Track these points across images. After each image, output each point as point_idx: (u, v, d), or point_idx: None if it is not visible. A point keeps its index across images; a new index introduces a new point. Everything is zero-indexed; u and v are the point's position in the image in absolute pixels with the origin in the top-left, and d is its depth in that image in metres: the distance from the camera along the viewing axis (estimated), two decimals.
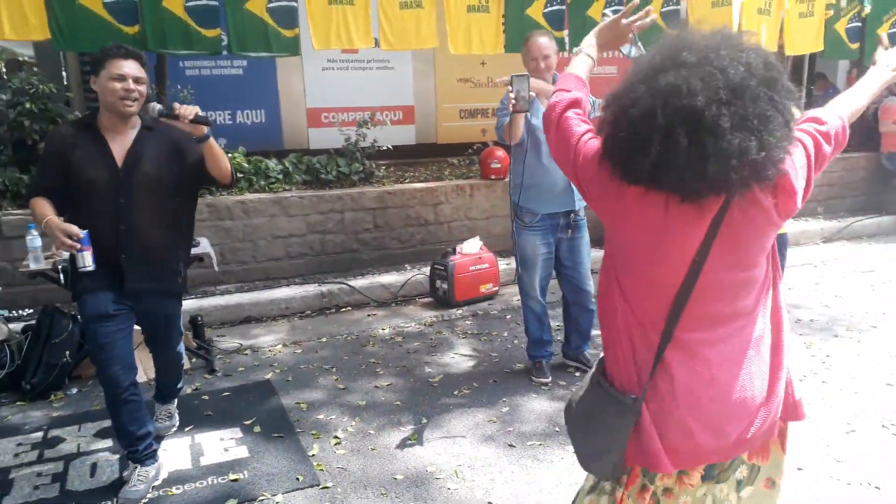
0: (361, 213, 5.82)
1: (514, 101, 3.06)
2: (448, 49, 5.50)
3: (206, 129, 2.69)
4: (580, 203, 3.73)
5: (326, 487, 2.87)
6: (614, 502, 1.65)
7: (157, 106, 2.64)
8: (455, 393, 3.74)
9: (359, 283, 5.47)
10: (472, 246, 5.38)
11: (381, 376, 4.02)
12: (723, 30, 1.42)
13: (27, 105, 4.82)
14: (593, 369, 1.67)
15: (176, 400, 3.44)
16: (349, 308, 5.31)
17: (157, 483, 2.92)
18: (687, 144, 1.31)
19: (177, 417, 3.44)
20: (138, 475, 2.85)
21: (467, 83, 7.79)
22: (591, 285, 3.87)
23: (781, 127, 1.34)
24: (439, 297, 5.29)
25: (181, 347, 3.23)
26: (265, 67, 6.72)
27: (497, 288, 5.46)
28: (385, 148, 6.23)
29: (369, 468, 3.02)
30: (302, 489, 2.85)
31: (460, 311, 5.14)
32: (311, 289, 5.35)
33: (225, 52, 4.93)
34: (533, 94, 3.16)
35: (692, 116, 1.31)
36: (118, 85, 2.61)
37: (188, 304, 4.85)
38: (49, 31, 4.48)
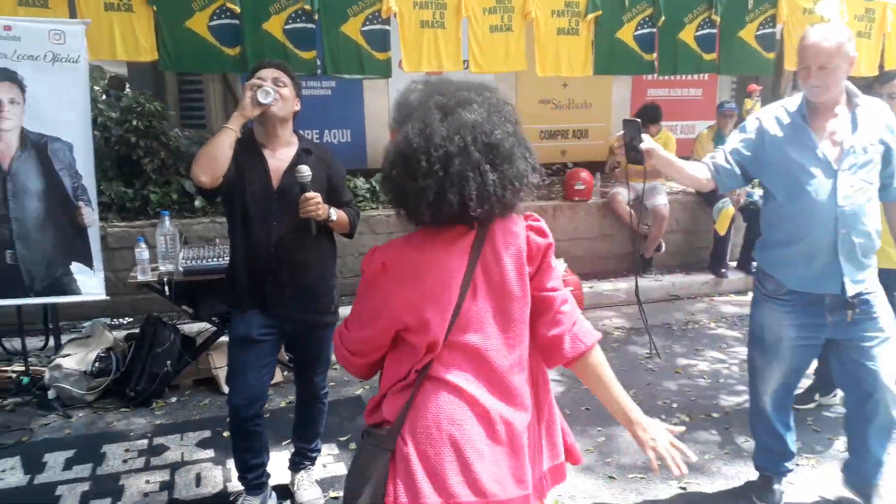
0: None
1: (623, 152, 2.64)
2: (531, 71, 5.49)
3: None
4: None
5: None
6: None
7: (306, 176, 2.56)
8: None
9: None
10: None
11: None
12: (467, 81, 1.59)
13: (134, 122, 5.05)
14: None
15: (304, 472, 3.03)
16: None
17: None
18: (492, 176, 1.48)
19: (311, 495, 2.96)
20: (243, 501, 2.84)
21: (548, 104, 7.75)
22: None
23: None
24: None
25: (325, 393, 3.01)
26: (353, 88, 6.85)
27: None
28: None
29: None
30: None
31: None
32: None
33: (319, 73, 5.04)
34: (646, 141, 2.55)
35: (494, 148, 1.49)
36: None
37: None
38: (157, 53, 4.70)
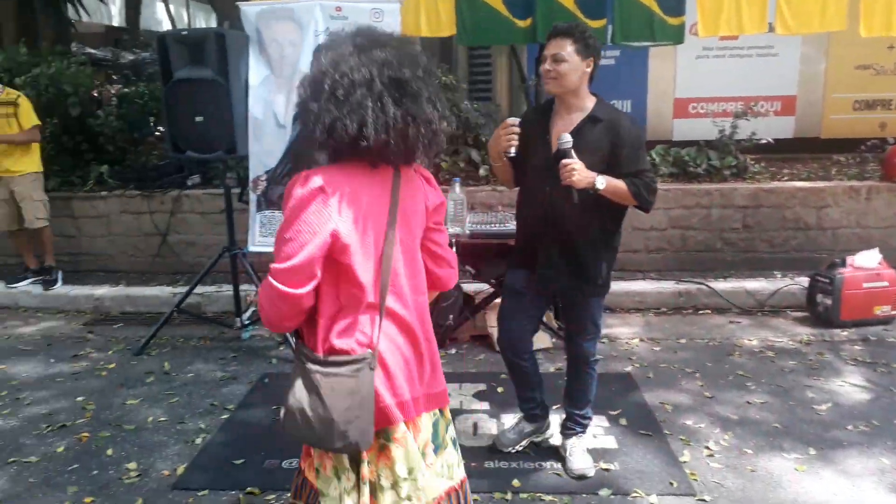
0: (730, 210, 5.44)
1: None
2: (849, 32, 4.78)
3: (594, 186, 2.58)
4: None
5: (703, 500, 2.73)
6: (360, 476, 1.70)
7: (565, 143, 2.56)
8: (849, 427, 3.28)
9: (720, 285, 5.13)
10: (869, 259, 4.64)
11: (753, 392, 3.71)
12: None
13: None
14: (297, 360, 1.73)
15: (575, 438, 3.03)
16: (708, 311, 5.02)
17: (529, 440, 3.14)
18: (394, 109, 1.57)
19: (581, 464, 2.93)
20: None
21: (867, 70, 6.74)
22: None
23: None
24: (818, 312, 4.69)
25: (594, 361, 3.01)
26: (638, 57, 6.64)
27: None
28: (764, 141, 5.72)
29: (750, 490, 2.80)
30: (676, 495, 2.76)
31: (845, 333, 4.50)
32: (667, 286, 5.19)
33: (608, 43, 4.95)
34: None
35: (401, 85, 1.59)
36: (544, 66, 2.66)
37: None
38: (455, 28, 4.99)
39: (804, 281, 4.94)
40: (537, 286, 2.86)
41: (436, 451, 1.84)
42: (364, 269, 1.66)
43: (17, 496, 2.81)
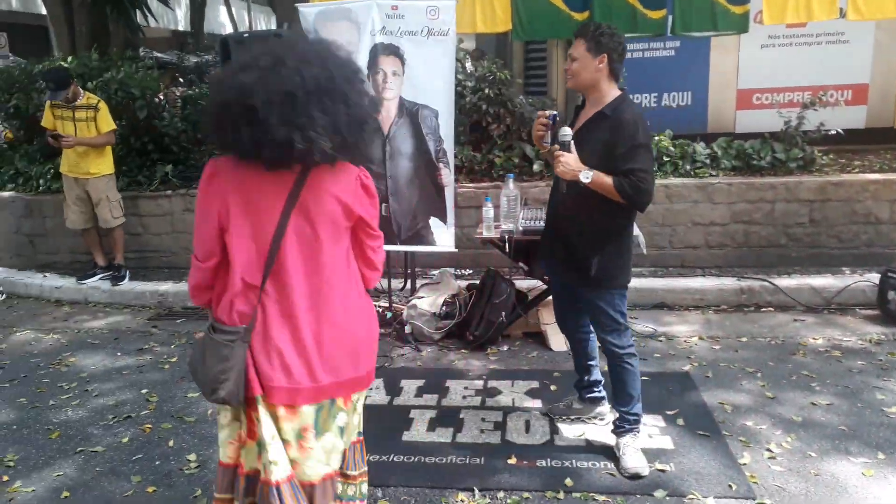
0: (795, 204, 5.23)
1: None
2: None
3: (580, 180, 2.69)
4: None
5: None
6: (247, 426, 1.94)
7: (564, 135, 2.74)
8: None
9: (784, 282, 4.95)
10: None
11: (818, 393, 3.56)
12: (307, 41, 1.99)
13: (486, 90, 5.43)
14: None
15: (628, 436, 2.97)
16: (770, 309, 4.85)
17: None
18: (248, 129, 1.72)
19: (635, 463, 2.89)
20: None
21: None
22: None
23: (330, 127, 1.74)
24: (890, 311, 4.48)
25: (626, 354, 2.93)
26: (699, 48, 6.46)
27: None
28: (833, 132, 5.48)
29: (814, 495, 2.69)
30: (735, 499, 2.68)
31: None
32: (728, 282, 5.03)
33: (669, 34, 4.84)
34: None
35: (250, 112, 1.70)
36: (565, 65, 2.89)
37: None
38: (511, 23, 4.97)
39: (874, 278, 4.72)
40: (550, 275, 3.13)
41: (316, 436, 1.94)
42: (240, 251, 1.85)
43: (84, 484, 2.94)
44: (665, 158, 5.47)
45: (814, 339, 4.29)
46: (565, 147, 2.72)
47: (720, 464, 2.92)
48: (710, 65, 6.65)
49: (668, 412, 3.39)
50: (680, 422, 3.29)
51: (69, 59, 6.64)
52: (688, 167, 5.46)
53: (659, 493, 2.73)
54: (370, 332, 2.05)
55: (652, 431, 3.21)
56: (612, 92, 2.77)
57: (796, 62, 6.58)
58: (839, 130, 5.57)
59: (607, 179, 2.66)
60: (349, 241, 1.97)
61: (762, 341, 4.30)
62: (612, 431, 3.07)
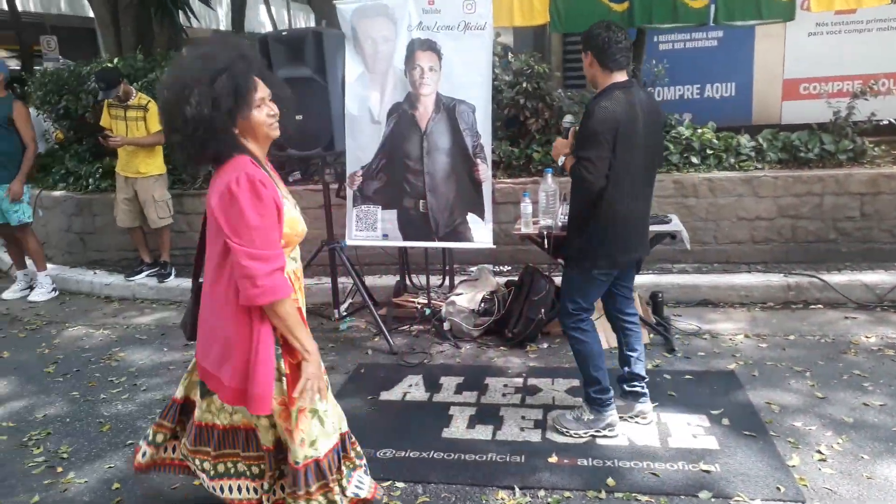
0: (845, 198, 5.08)
1: None
2: None
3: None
4: None
5: None
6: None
7: (566, 123, 3.30)
8: None
9: (834, 278, 4.80)
10: None
11: (871, 393, 3.45)
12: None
13: (524, 84, 5.39)
14: None
15: (589, 408, 3.20)
16: (819, 306, 4.72)
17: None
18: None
19: (575, 427, 3.18)
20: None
21: None
22: None
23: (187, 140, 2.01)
24: None
25: (573, 335, 3.16)
26: (743, 37, 6.31)
27: None
28: (886, 122, 5.30)
29: (866, 499, 2.61)
30: (783, 501, 2.62)
31: None
32: (775, 278, 4.91)
33: (711, 24, 4.73)
34: None
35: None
36: None
37: (645, 279, 4.91)
38: (548, 15, 4.90)
39: None
40: None
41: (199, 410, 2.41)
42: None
43: (133, 476, 3.01)
44: (708, 151, 5.35)
45: (866, 337, 4.16)
46: (563, 133, 3.18)
47: (767, 465, 2.85)
48: (755, 54, 6.48)
49: (713, 412, 3.32)
50: (725, 422, 3.23)
51: (115, 60, 6.80)
52: (732, 160, 5.33)
53: (704, 495, 2.68)
54: (231, 339, 2.08)
55: (696, 431, 3.16)
56: (605, 83, 2.95)
57: (845, 50, 6.37)
58: (891, 120, 5.37)
59: (569, 165, 3.00)
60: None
61: (811, 339, 4.19)
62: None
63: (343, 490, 2.29)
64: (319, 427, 2.22)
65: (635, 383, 3.28)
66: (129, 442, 3.34)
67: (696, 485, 2.74)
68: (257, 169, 2.03)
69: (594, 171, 2.83)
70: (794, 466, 2.84)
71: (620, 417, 3.24)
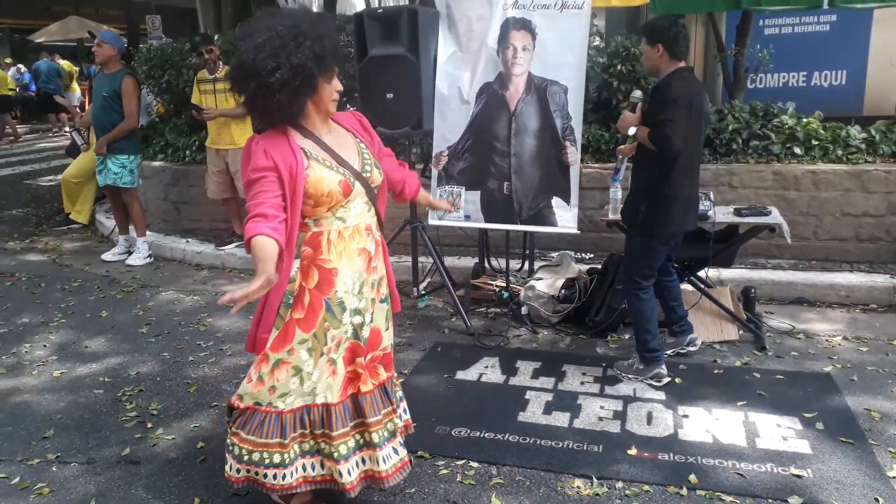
0: None
1: None
2: None
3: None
4: None
5: None
6: None
7: (636, 97, 3.43)
8: None
9: None
10: None
11: None
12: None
13: (618, 67, 5.22)
14: None
15: (643, 362, 3.56)
16: None
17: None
18: None
19: (630, 373, 3.60)
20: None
21: None
22: None
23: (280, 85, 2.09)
24: None
25: (632, 294, 3.52)
26: (859, 22, 5.89)
27: None
28: None
29: None
30: None
31: None
32: (880, 279, 4.59)
33: (825, 7, 4.43)
34: None
35: None
36: None
37: (737, 273, 4.70)
38: None
39: None
40: None
41: None
42: None
43: (217, 436, 3.13)
44: (814, 142, 5.04)
45: None
46: (631, 107, 3.34)
47: (865, 474, 2.67)
48: (871, 40, 6.05)
49: (806, 415, 3.14)
50: (819, 426, 3.05)
51: (215, 36, 7.04)
52: (839, 152, 5.00)
53: (794, 500, 2.53)
54: None
55: (787, 434, 2.99)
56: (669, 70, 3.29)
57: None
58: None
59: (646, 132, 3.22)
60: None
61: None
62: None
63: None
64: (297, 385, 2.28)
65: (683, 323, 3.80)
66: (214, 404, 3.47)
67: (785, 489, 2.60)
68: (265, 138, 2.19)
69: (677, 132, 3.10)
70: (894, 478, 2.65)
71: (677, 353, 3.80)
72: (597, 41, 5.67)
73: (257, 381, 2.27)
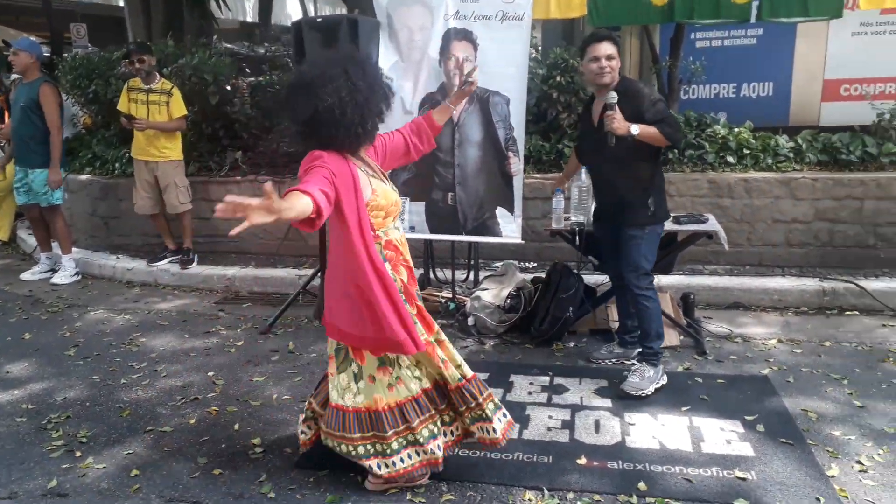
0: (887, 202, 4.92)
1: None
2: None
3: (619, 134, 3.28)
4: None
5: None
6: None
7: (611, 97, 3.26)
8: None
9: (872, 284, 4.65)
10: None
11: None
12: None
13: (557, 78, 5.28)
14: None
15: (650, 366, 3.53)
16: (856, 312, 4.57)
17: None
18: None
19: (647, 385, 3.46)
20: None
21: None
22: None
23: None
24: None
25: (642, 295, 3.52)
26: (783, 36, 6.13)
27: None
28: None
29: None
30: None
31: None
32: (810, 283, 4.77)
33: (752, 21, 4.59)
34: None
35: None
36: (594, 66, 3.36)
37: (676, 280, 4.80)
38: (586, 8, 4.79)
39: None
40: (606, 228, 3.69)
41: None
42: None
43: (152, 463, 2.97)
44: (745, 151, 5.21)
45: None
46: (612, 107, 3.25)
47: (806, 475, 2.73)
48: (795, 54, 6.31)
49: (747, 417, 3.20)
50: (760, 428, 3.11)
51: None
52: (769, 161, 5.19)
53: (740, 503, 2.57)
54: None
55: (730, 437, 3.04)
56: (617, 76, 3.45)
57: (891, 51, 6.17)
58: None
59: (651, 129, 3.27)
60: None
61: (847, 347, 4.05)
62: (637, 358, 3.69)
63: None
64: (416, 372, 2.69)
65: (635, 335, 3.78)
66: (149, 428, 3.30)
67: (731, 492, 2.63)
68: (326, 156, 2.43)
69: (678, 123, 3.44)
70: (833, 477, 2.72)
71: (623, 362, 3.84)
72: (533, 53, 5.74)
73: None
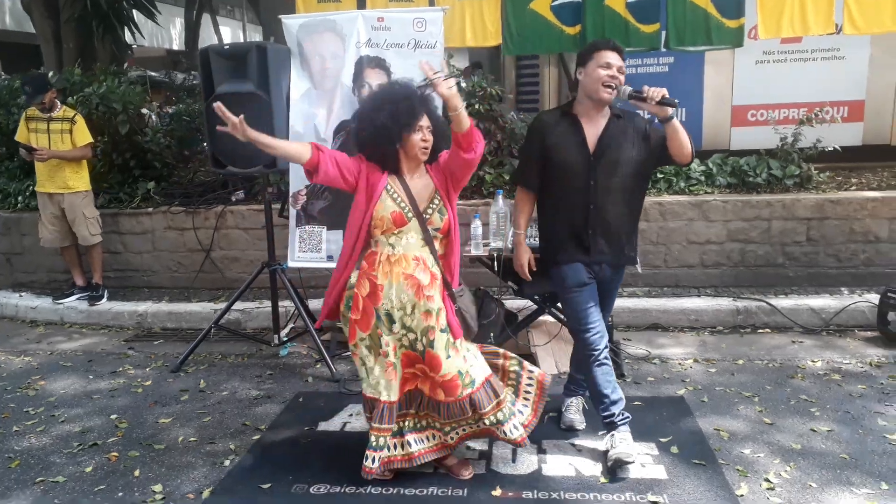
0: (793, 222, 5.11)
1: None
2: None
3: (670, 111, 2.76)
4: None
5: None
6: None
7: (627, 88, 2.81)
8: None
9: (782, 302, 4.81)
10: None
11: (818, 419, 3.41)
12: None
13: (475, 106, 5.31)
14: None
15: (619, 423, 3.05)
16: (768, 330, 4.71)
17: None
18: None
19: (626, 449, 2.94)
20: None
21: None
22: None
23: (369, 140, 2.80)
24: (890, 333, 4.34)
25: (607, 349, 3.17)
26: (692, 64, 6.37)
27: None
28: (830, 149, 5.37)
29: None
30: None
31: None
32: (724, 302, 4.89)
33: (662, 49, 4.75)
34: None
35: None
36: (604, 72, 2.84)
37: None
38: (501, 37, 4.87)
39: (874, 298, 4.59)
40: (592, 274, 3.08)
41: None
42: None
43: None
44: (659, 175, 5.35)
45: (812, 361, 4.14)
46: (638, 93, 2.77)
47: (716, 495, 2.75)
48: (705, 81, 6.56)
49: (662, 439, 3.22)
50: (674, 449, 3.13)
51: (50, 73, 6.53)
52: (682, 184, 5.33)
53: None
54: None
55: (645, 460, 3.04)
56: None
57: (791, 78, 6.48)
58: (836, 147, 5.46)
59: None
60: None
61: (759, 364, 4.15)
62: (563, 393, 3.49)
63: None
64: (364, 375, 2.87)
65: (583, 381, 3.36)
66: (40, 479, 3.07)
67: None
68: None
69: None
70: (742, 496, 2.75)
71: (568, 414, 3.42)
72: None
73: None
